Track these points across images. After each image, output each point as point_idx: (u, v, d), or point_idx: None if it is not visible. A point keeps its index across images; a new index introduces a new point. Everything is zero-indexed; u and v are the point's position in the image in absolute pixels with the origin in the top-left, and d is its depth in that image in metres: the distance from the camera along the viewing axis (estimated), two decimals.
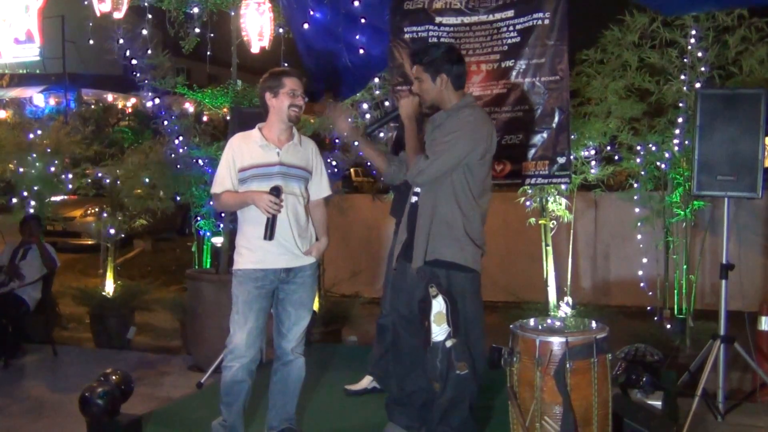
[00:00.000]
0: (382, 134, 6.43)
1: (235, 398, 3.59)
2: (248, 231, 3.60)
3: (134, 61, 5.96)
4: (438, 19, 5.21)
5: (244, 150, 3.60)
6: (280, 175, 3.55)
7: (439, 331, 3.35)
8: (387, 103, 5.58)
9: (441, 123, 3.55)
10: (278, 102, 3.59)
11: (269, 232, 3.47)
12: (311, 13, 5.81)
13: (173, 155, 6.16)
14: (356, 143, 3.83)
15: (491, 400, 4.16)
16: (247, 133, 3.69)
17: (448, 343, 3.35)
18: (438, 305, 3.35)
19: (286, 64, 5.97)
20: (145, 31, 5.95)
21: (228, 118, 6.16)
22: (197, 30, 6.01)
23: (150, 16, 5.94)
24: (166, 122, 6.13)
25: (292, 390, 3.72)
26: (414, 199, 3.60)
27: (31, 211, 6.92)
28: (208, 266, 6.34)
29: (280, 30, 6.11)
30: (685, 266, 5.60)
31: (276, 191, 3.47)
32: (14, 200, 6.97)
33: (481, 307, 3.55)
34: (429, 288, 3.38)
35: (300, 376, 3.71)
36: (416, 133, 3.58)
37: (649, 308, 5.87)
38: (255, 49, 5.76)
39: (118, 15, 5.57)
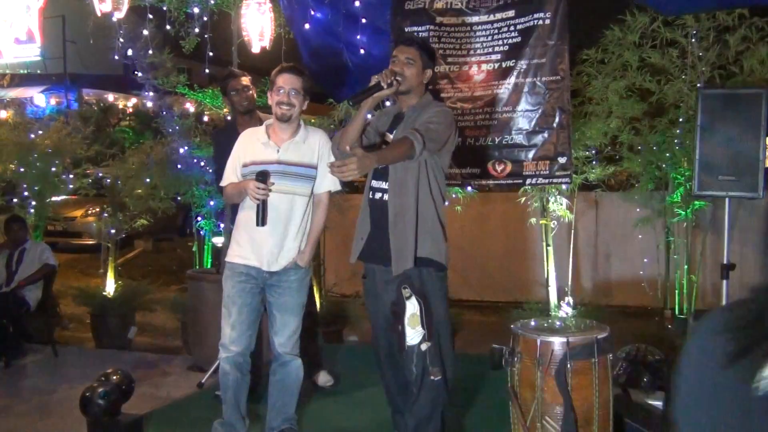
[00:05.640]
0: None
1: (225, 390, 3.61)
2: (240, 225, 3.64)
3: (135, 62, 5.97)
4: (439, 19, 5.21)
5: (247, 146, 3.64)
6: (279, 173, 3.53)
7: (413, 334, 3.16)
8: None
9: (408, 118, 3.39)
10: (271, 100, 3.59)
11: (261, 218, 3.47)
12: (312, 13, 5.81)
13: (174, 155, 6.17)
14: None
15: (491, 400, 4.15)
16: (256, 128, 3.72)
17: (423, 347, 3.16)
18: (412, 307, 3.16)
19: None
20: (145, 31, 5.95)
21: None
22: (197, 30, 6.01)
23: (150, 16, 5.94)
24: (167, 122, 6.13)
25: (291, 390, 3.72)
26: (378, 195, 3.39)
27: (32, 211, 6.91)
28: (208, 266, 6.33)
29: (281, 30, 6.10)
30: (686, 266, 5.59)
31: (262, 176, 3.45)
32: (15, 200, 6.96)
33: (448, 307, 3.39)
34: (402, 289, 3.18)
35: (298, 376, 3.72)
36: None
37: (650, 308, 5.86)
38: (256, 49, 5.75)
39: (119, 15, 5.57)
